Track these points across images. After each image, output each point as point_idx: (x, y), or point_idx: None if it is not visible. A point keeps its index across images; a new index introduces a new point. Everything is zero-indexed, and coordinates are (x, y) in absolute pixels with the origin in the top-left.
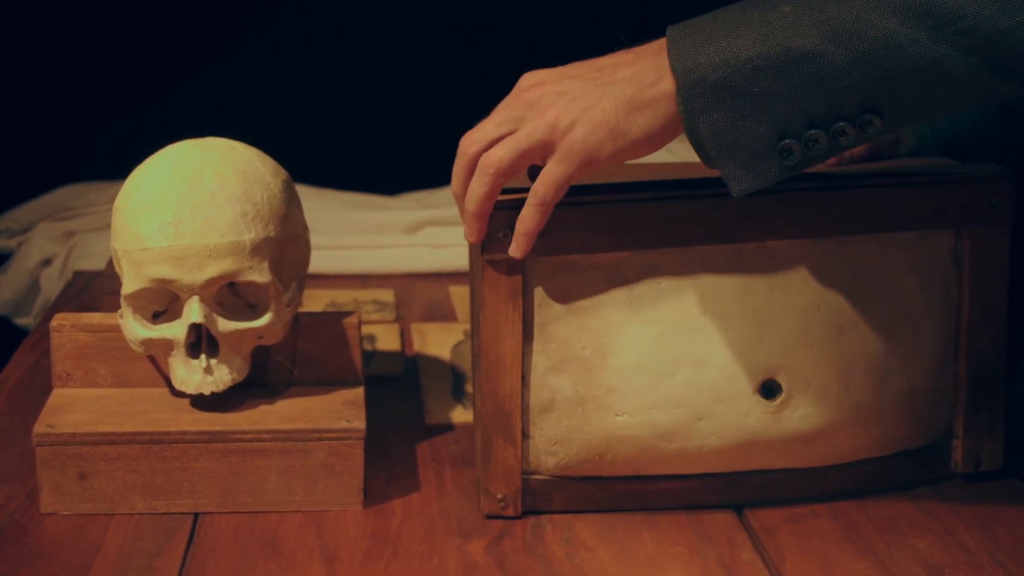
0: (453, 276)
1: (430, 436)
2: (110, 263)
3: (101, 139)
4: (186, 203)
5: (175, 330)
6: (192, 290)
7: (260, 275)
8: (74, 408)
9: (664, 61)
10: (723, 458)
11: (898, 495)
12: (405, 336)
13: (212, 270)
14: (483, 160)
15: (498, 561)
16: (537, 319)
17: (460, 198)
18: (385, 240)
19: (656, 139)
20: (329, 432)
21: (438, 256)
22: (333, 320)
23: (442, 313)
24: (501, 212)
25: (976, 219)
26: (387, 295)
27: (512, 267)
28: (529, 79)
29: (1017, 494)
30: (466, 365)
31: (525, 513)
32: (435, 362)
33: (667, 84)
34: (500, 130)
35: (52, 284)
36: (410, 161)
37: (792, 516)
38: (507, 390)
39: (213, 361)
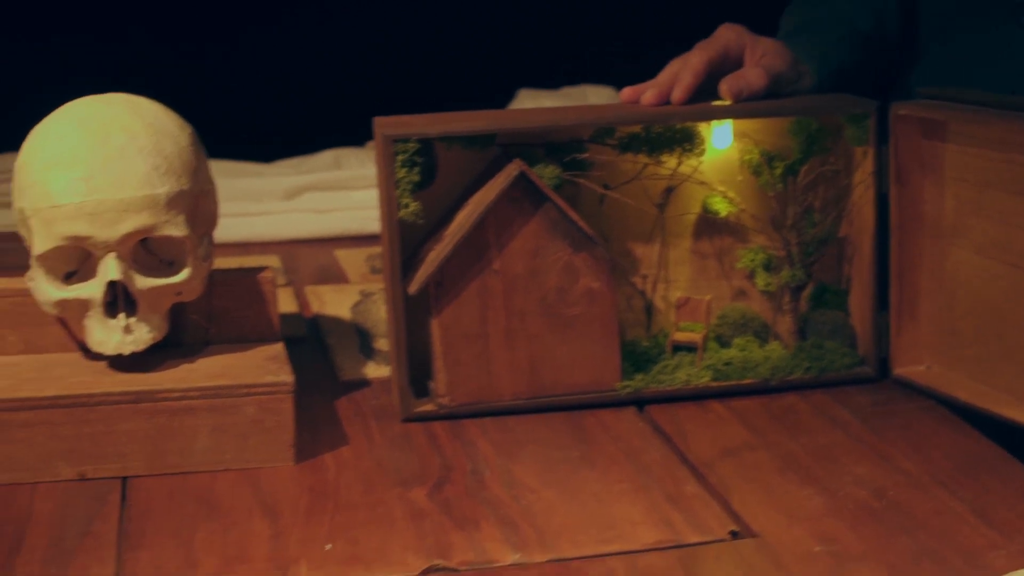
0: (338, 240)
1: (347, 392)
2: None
3: None
4: (96, 158)
5: (91, 289)
6: (108, 246)
7: (177, 229)
8: None
9: None
10: None
11: (829, 426)
12: (300, 299)
13: (128, 225)
14: None
15: (443, 507)
16: None
17: None
18: (265, 207)
19: None
20: (257, 387)
21: (321, 221)
22: (248, 276)
23: (333, 276)
24: None
25: None
26: (273, 261)
27: None
28: None
29: (943, 419)
30: (370, 323)
31: None
32: (337, 322)
33: None
34: None
35: None
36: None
37: (726, 450)
38: None
39: (132, 320)
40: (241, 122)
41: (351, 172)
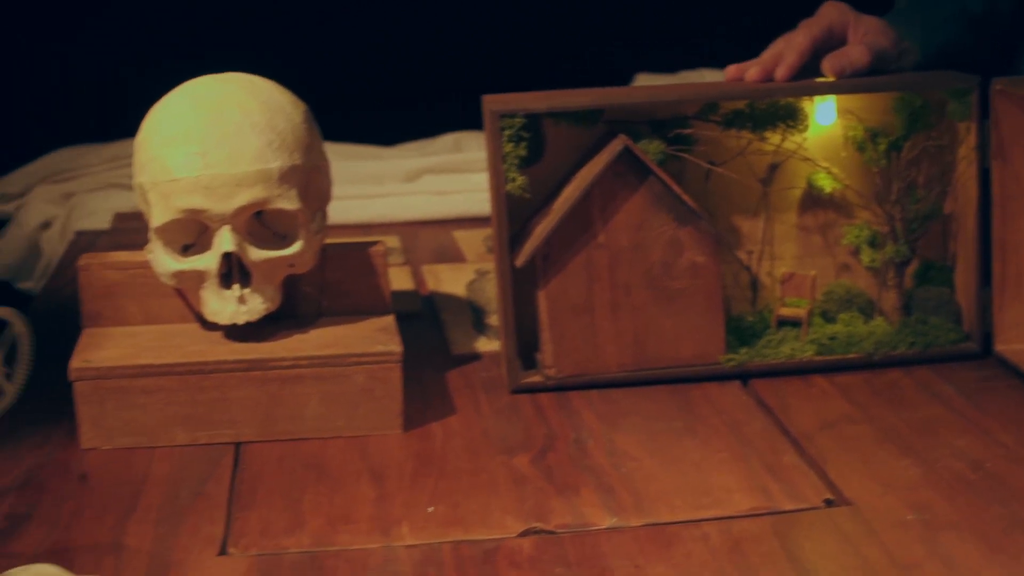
0: (457, 222)
1: (458, 365)
2: (115, 219)
3: (89, 103)
4: (211, 134)
5: (207, 261)
6: (223, 219)
7: (289, 202)
8: (107, 345)
9: None
10: None
11: (932, 400)
12: (417, 277)
13: (242, 198)
14: None
15: (546, 474)
16: None
17: None
18: (385, 189)
19: None
20: (366, 356)
21: (441, 203)
22: (359, 249)
23: (451, 256)
24: None
25: None
26: (393, 241)
27: None
28: None
29: None
30: (483, 300)
31: None
32: (452, 299)
33: None
34: None
35: (53, 246)
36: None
37: (826, 423)
38: None
39: (246, 291)
40: (366, 105)
41: (470, 155)
